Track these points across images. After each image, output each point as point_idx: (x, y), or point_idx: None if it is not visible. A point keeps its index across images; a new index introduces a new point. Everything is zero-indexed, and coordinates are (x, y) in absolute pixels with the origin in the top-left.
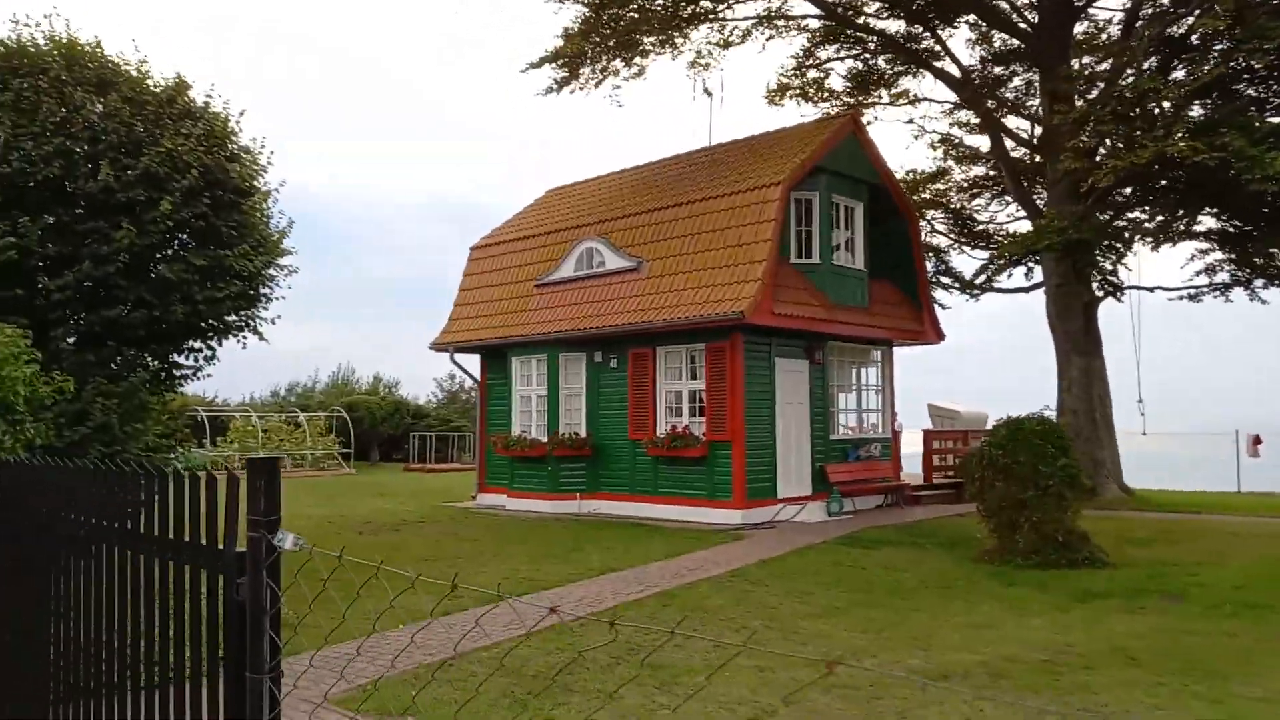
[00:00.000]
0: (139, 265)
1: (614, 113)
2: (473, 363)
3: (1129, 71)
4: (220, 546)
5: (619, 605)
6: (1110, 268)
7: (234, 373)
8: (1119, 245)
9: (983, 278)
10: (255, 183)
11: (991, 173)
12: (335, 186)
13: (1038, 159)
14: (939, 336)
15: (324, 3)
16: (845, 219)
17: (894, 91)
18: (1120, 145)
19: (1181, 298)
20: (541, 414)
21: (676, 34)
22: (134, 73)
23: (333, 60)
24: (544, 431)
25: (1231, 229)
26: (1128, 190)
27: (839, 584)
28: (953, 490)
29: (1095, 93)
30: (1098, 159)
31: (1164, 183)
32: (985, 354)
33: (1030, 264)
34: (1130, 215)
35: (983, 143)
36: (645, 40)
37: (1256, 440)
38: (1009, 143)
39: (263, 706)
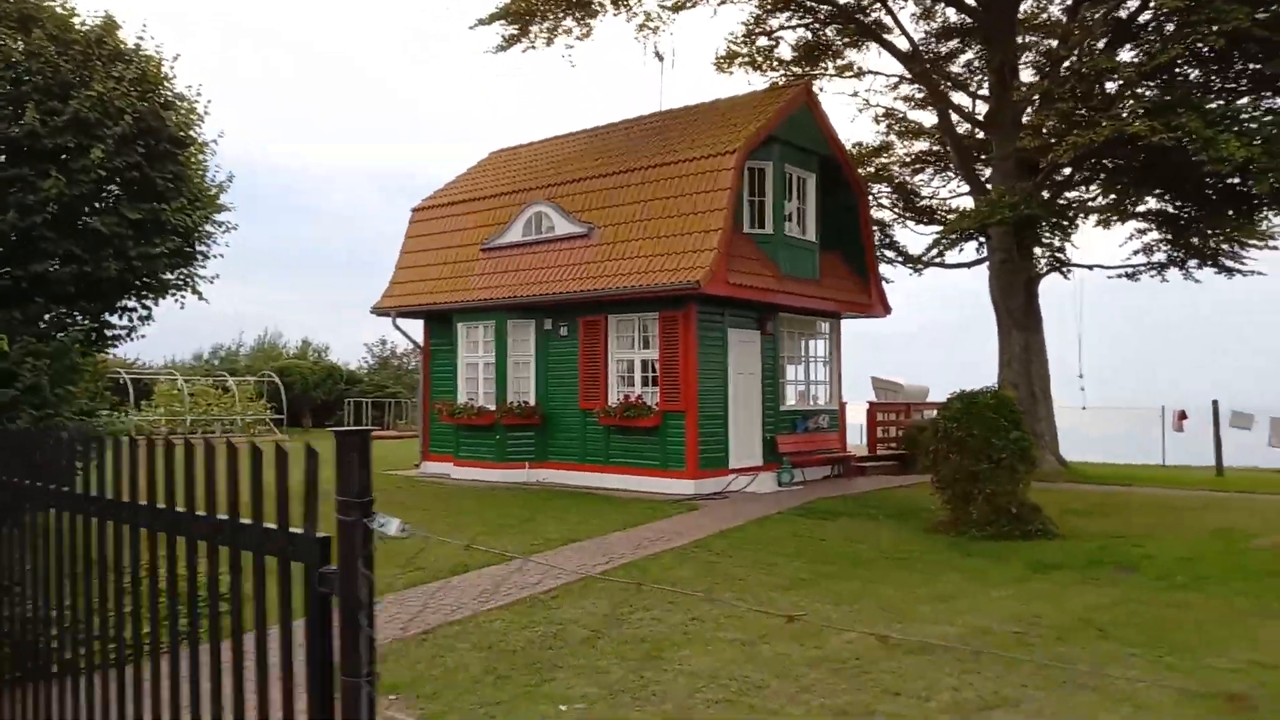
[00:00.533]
0: (68, 217)
1: (560, 77)
2: (415, 328)
3: (1079, 51)
4: (295, 530)
5: (588, 578)
6: (1058, 244)
7: (155, 335)
8: (1066, 222)
9: (933, 252)
10: (192, 132)
11: (935, 148)
12: (289, 160)
13: (980, 135)
14: (886, 309)
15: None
16: (797, 189)
17: (840, 64)
18: (1080, 123)
19: (1120, 276)
20: (489, 381)
21: None
22: (59, 10)
23: (302, 56)
24: (491, 399)
25: (1172, 210)
26: (1070, 170)
27: (800, 555)
28: (896, 461)
29: (1048, 71)
30: (1054, 137)
31: (1120, 162)
32: (930, 331)
33: (979, 239)
34: (1073, 194)
35: (926, 118)
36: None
37: (1181, 416)
38: (954, 118)
39: (361, 712)
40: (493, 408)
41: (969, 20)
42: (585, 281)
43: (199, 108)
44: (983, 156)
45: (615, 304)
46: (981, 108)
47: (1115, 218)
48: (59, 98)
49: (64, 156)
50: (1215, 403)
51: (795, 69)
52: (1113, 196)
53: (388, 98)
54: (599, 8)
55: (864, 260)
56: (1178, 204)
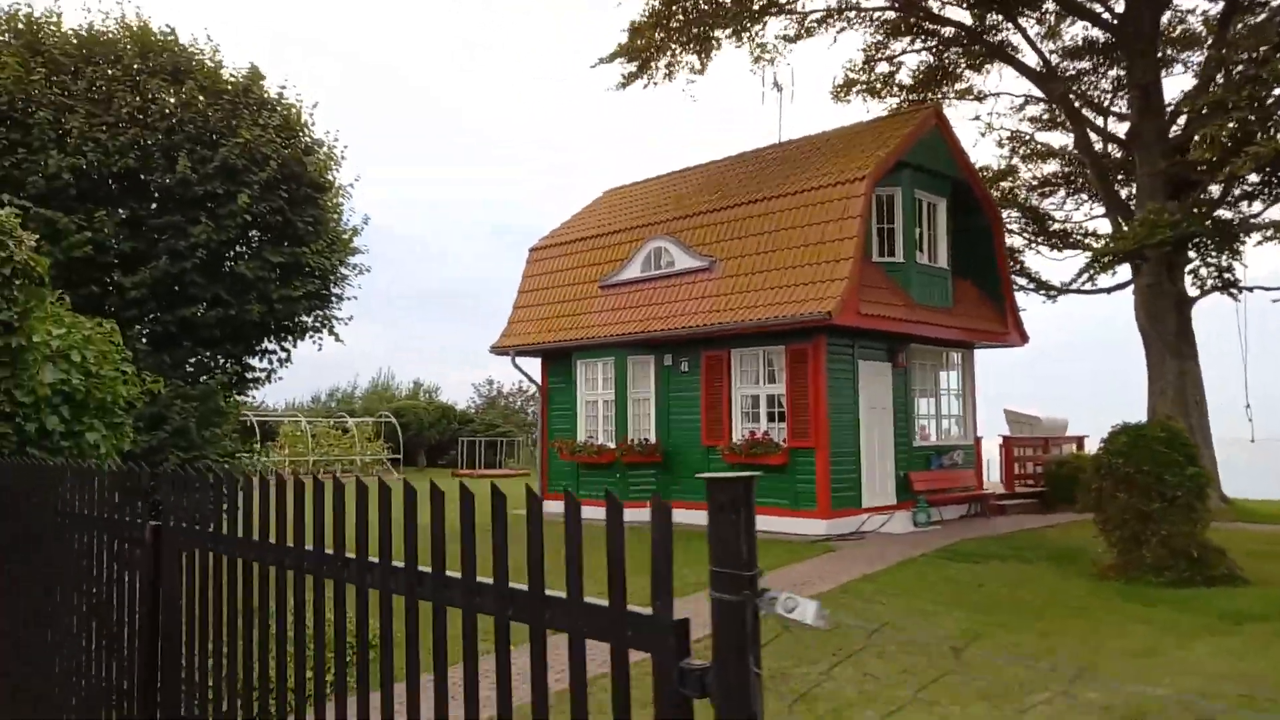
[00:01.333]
0: (215, 262)
1: (659, 116)
2: (533, 366)
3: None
4: (636, 609)
5: None
6: (1225, 264)
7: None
8: (1234, 239)
9: (1084, 277)
10: (329, 176)
11: (1067, 170)
12: (380, 201)
13: (1118, 155)
14: (1023, 338)
15: (339, 10)
16: (928, 215)
17: (960, 87)
18: (1254, 132)
19: None
20: (609, 419)
21: (752, 24)
22: (208, 62)
23: (349, 65)
24: (611, 437)
25: None
26: (1222, 186)
27: (960, 603)
28: (1037, 500)
29: (1213, 80)
30: (1217, 150)
31: None
32: (1059, 358)
33: (1126, 263)
34: (1227, 212)
35: (1055, 139)
36: (717, 32)
37: None
38: (1092, 137)
39: None
40: (613, 445)
41: (1106, 36)
42: (709, 315)
43: (336, 152)
44: (1120, 176)
45: (739, 338)
46: (1115, 126)
47: None
48: (209, 146)
49: (212, 202)
50: None
51: (914, 95)
52: None
53: (443, 115)
54: (716, 42)
55: (999, 287)
56: None
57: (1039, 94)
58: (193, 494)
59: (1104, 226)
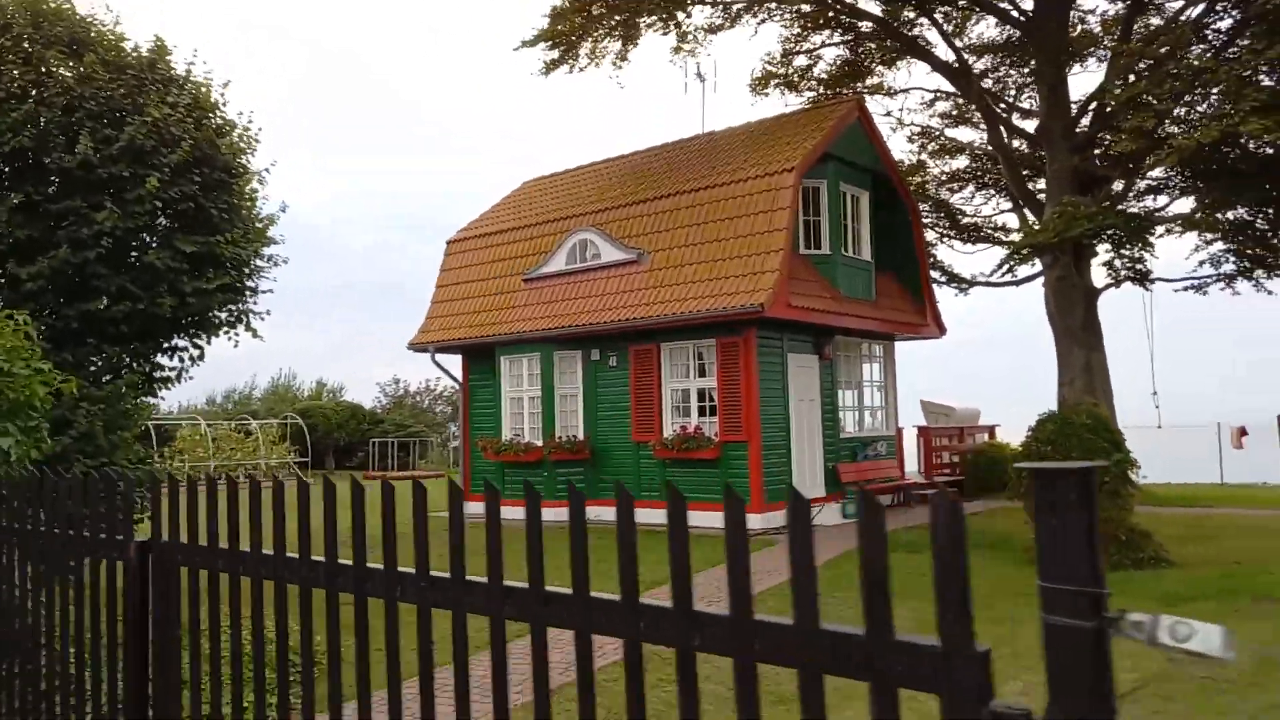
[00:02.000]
0: (121, 251)
1: (582, 105)
2: (453, 363)
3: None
4: (909, 639)
5: None
6: (1137, 255)
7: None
8: (1146, 232)
9: (1003, 269)
10: (243, 160)
11: (974, 165)
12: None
13: (1025, 151)
14: (941, 330)
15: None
16: (851, 208)
17: (871, 83)
18: (1176, 126)
19: (1187, 289)
20: (534, 416)
21: (679, 12)
22: (109, 34)
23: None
24: (537, 434)
25: (1255, 217)
26: (1123, 182)
27: (913, 594)
28: (955, 488)
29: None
30: (1132, 145)
31: (1212, 168)
32: (969, 349)
33: (1043, 255)
34: (1133, 206)
35: (964, 134)
36: (643, 19)
37: (1241, 432)
38: (1003, 132)
39: None
40: (540, 443)
41: (1012, 33)
42: (638, 309)
43: (250, 134)
44: (1026, 172)
45: (668, 331)
46: (1021, 122)
47: (1201, 227)
48: (113, 124)
49: (117, 186)
50: (1279, 418)
51: (830, 89)
52: (1206, 203)
53: (402, 105)
54: (639, 28)
55: (918, 280)
56: (1266, 211)
57: (950, 89)
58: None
59: (1013, 221)
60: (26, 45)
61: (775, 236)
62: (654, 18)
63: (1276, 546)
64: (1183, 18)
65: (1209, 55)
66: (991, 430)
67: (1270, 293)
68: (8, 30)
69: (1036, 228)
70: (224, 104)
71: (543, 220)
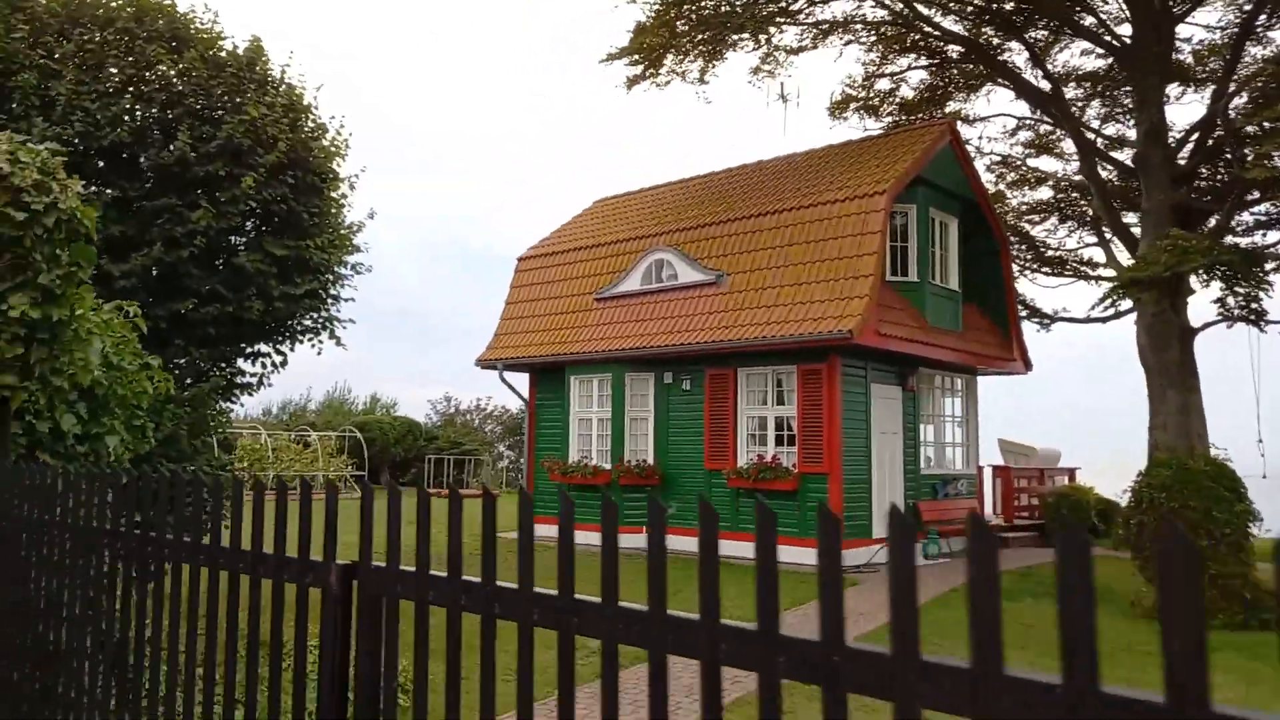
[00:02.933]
0: (213, 252)
1: (584, 127)
2: (520, 381)
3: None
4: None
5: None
6: (1252, 293)
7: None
8: (1259, 267)
9: (1105, 304)
10: (334, 165)
11: (1056, 196)
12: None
13: (1114, 183)
14: (1027, 366)
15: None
16: (940, 235)
17: (950, 109)
18: None
19: None
20: (603, 438)
21: (771, 27)
22: (207, 33)
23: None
24: (605, 457)
25: None
26: (1220, 217)
27: (1023, 645)
28: (1035, 532)
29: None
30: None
31: None
32: (1044, 387)
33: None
34: (1243, 240)
35: (1047, 164)
36: (733, 35)
37: None
38: (1097, 162)
39: None
40: (608, 466)
41: (1107, 62)
42: (716, 332)
43: (341, 140)
44: (1116, 203)
45: (746, 356)
46: (1113, 154)
47: None
48: (211, 123)
49: (213, 185)
50: None
51: (911, 115)
52: None
53: (395, 127)
54: (729, 45)
55: (1004, 312)
56: None
57: (1037, 117)
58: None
59: (1098, 255)
60: (127, 40)
61: (865, 261)
62: (744, 34)
63: None
64: None
65: None
66: (1072, 473)
67: None
68: (111, 24)
69: (1148, 260)
70: (316, 107)
71: (617, 239)
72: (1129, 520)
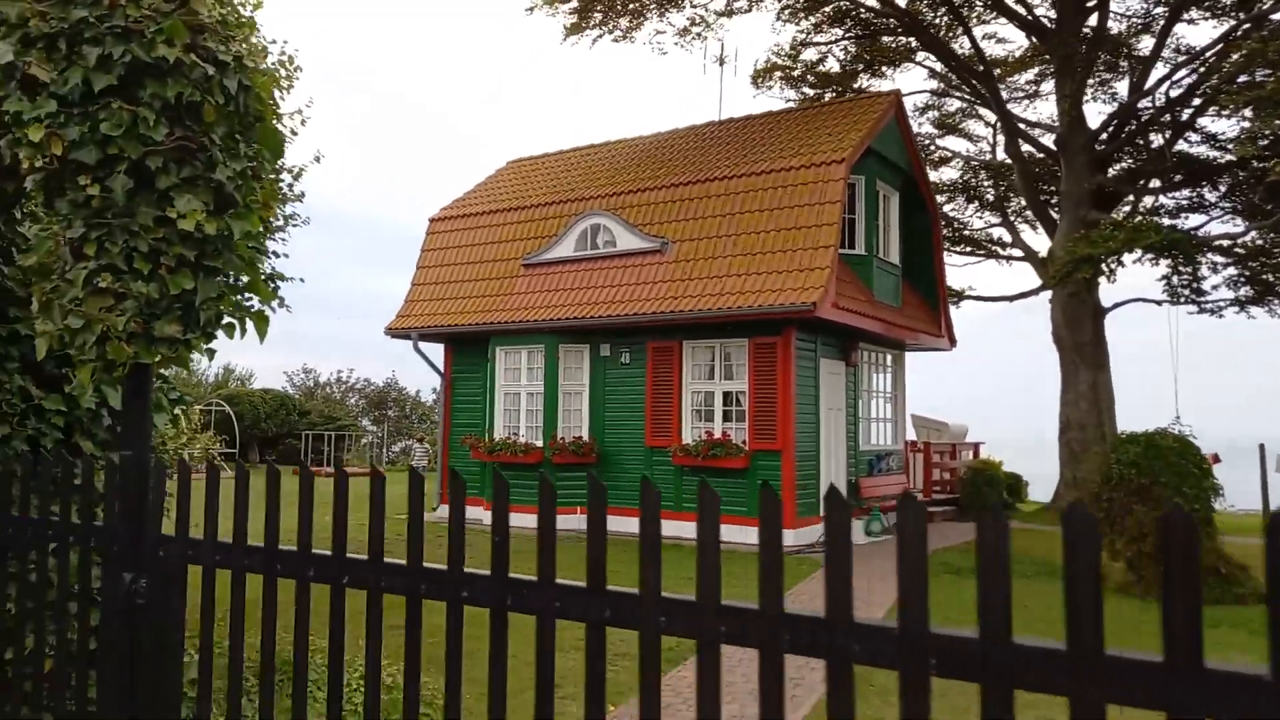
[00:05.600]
0: None
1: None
2: (434, 351)
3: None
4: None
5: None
6: (1191, 274)
7: None
8: (1201, 250)
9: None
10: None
11: (964, 177)
12: None
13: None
14: (952, 342)
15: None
16: (883, 208)
17: (866, 84)
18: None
19: (1205, 311)
20: (532, 414)
21: None
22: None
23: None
24: (536, 434)
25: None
26: (1132, 199)
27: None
28: (953, 507)
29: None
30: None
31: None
32: (946, 362)
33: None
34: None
35: (954, 143)
36: None
37: (1214, 459)
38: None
39: None
40: (540, 444)
41: (1031, 44)
42: (663, 302)
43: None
44: (1043, 185)
45: (692, 328)
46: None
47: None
48: None
49: None
50: (1262, 446)
51: (831, 88)
52: (1262, 224)
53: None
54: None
55: (934, 288)
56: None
57: (960, 94)
58: None
59: (1005, 235)
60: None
61: (825, 231)
62: None
63: None
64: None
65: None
66: (976, 448)
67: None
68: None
69: (1103, 236)
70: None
71: (543, 203)
72: (1099, 496)
